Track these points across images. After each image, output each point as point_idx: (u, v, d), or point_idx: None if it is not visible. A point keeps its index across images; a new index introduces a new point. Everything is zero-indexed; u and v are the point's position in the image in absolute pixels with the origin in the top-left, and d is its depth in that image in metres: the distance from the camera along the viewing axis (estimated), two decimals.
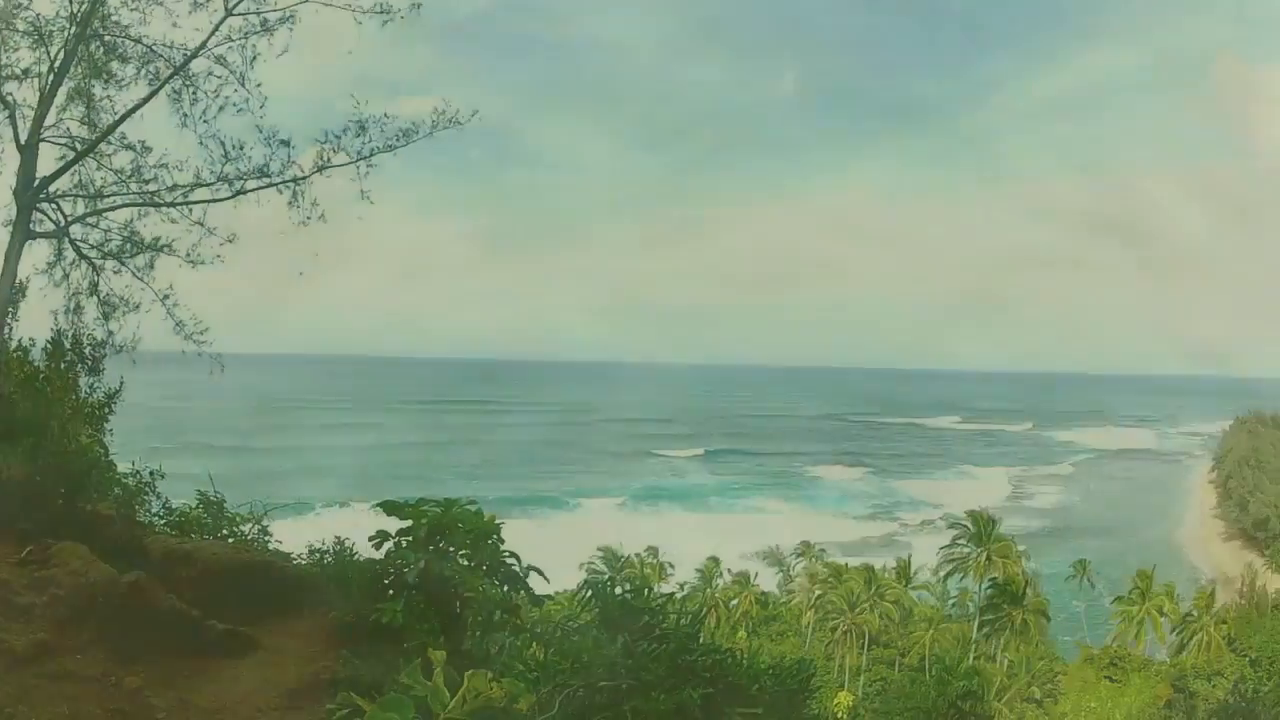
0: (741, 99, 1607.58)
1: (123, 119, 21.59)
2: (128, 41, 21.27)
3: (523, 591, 13.73)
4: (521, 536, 14.00)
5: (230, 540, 15.63)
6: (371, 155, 21.83)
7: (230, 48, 20.88)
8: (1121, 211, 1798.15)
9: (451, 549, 13.36)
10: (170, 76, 21.04)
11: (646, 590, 13.68)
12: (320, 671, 11.51)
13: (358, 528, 14.27)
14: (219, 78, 21.14)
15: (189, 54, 20.77)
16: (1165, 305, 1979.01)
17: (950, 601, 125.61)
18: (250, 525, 16.25)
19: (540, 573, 13.70)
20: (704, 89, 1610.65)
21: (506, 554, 13.58)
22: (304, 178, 21.82)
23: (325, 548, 14.64)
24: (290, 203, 21.58)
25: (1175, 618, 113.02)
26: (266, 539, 16.37)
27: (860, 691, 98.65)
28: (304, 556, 14.79)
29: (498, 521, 13.97)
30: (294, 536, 15.80)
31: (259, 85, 21.18)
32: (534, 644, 14.00)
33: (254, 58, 21.03)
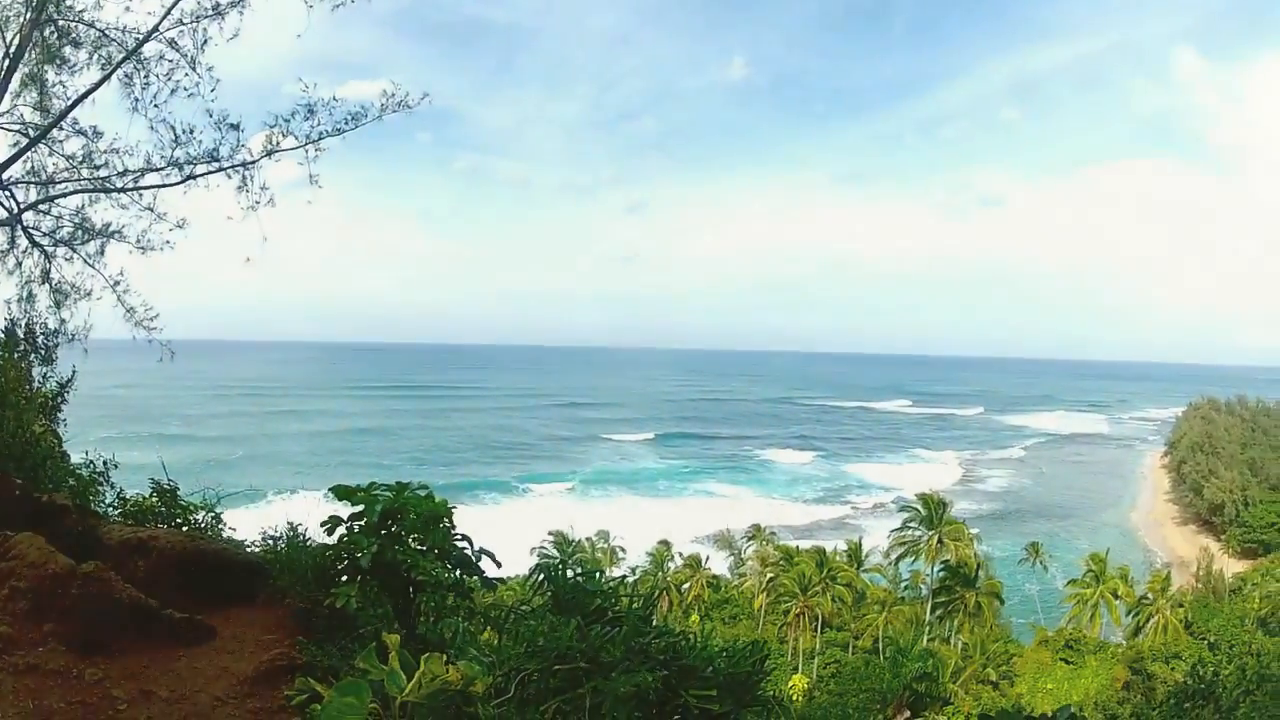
0: (691, 83, 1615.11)
1: (75, 104, 21.48)
2: (81, 26, 21.19)
3: (475, 576, 13.84)
4: (472, 523, 13.93)
5: (185, 529, 15.60)
6: (320, 139, 21.86)
7: (182, 31, 20.78)
8: (1055, 203, 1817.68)
9: (403, 533, 13.18)
10: (123, 61, 20.94)
11: (598, 573, 13.68)
12: (277, 658, 11.47)
13: (309, 515, 14.25)
14: (170, 62, 21.03)
15: (141, 38, 20.67)
16: (1116, 295, 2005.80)
17: (903, 584, 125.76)
18: (203, 513, 16.23)
19: (491, 556, 13.71)
20: (653, 73, 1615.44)
21: (458, 537, 13.49)
22: (253, 162, 21.84)
23: (278, 534, 14.62)
24: (239, 188, 21.55)
25: (1130, 601, 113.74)
26: (220, 527, 16.38)
27: (814, 674, 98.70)
28: (257, 544, 14.78)
29: (449, 506, 14.02)
30: (246, 525, 15.77)
31: (210, 69, 21.11)
32: (488, 629, 14.04)
33: (205, 41, 20.94)
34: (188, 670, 11.24)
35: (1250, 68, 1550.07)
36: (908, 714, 75.47)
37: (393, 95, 21.82)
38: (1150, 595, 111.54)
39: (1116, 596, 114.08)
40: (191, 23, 20.75)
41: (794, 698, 72.87)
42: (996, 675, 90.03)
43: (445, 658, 9.43)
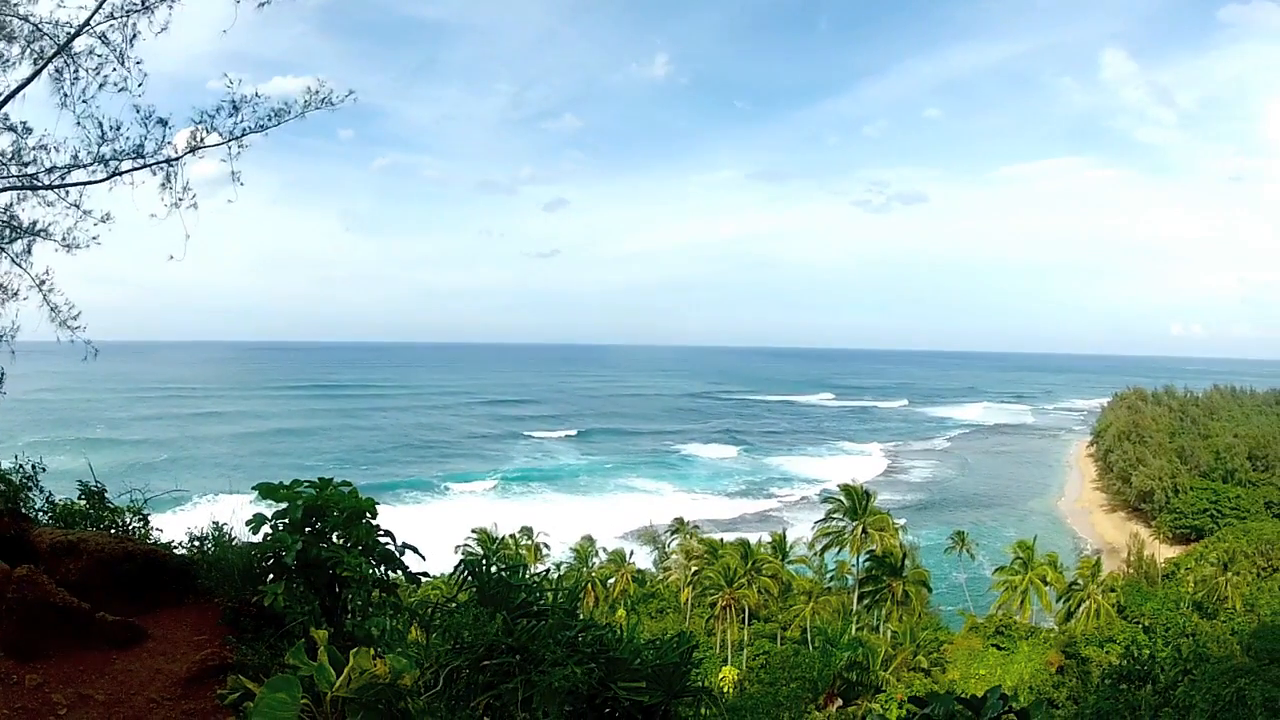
0: (613, 81, 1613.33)
1: (8, 99, 21.32)
2: (15, 20, 21.02)
3: (400, 571, 13.98)
4: (397, 522, 14.03)
5: (113, 531, 15.47)
6: (243, 135, 21.24)
7: (113, 25, 20.61)
8: (979, 200, 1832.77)
9: (327, 530, 13.42)
10: (54, 55, 20.80)
11: (522, 568, 13.84)
12: (209, 658, 11.46)
13: (234, 517, 14.23)
14: (100, 56, 20.88)
15: (74, 31, 20.54)
16: (1042, 290, 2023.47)
17: (829, 574, 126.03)
18: (131, 516, 16.20)
19: (416, 550, 13.77)
20: (575, 70, 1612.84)
21: (381, 533, 13.65)
22: (177, 158, 21.22)
23: (205, 534, 14.58)
24: (163, 185, 21.38)
25: (1060, 587, 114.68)
26: (147, 530, 16.29)
27: (744, 665, 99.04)
28: (185, 545, 14.77)
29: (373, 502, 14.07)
30: (172, 528, 15.72)
31: (139, 63, 20.94)
32: (415, 625, 14.08)
33: (134, 36, 20.77)
34: (123, 673, 11.22)
35: (1179, 70, 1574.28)
36: (840, 702, 76.01)
37: (316, 92, 21.33)
38: (1080, 581, 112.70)
39: (1046, 583, 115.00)
40: (122, 16, 20.59)
41: (725, 689, 73.25)
42: (928, 662, 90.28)
43: (373, 652, 9.64)
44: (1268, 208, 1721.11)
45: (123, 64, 20.85)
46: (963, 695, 9.30)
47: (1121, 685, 49.98)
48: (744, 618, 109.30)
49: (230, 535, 14.23)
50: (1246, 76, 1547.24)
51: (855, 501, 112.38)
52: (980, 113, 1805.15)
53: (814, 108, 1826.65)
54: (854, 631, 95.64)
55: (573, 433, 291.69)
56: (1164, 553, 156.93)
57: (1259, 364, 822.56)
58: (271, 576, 13.28)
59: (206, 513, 14.57)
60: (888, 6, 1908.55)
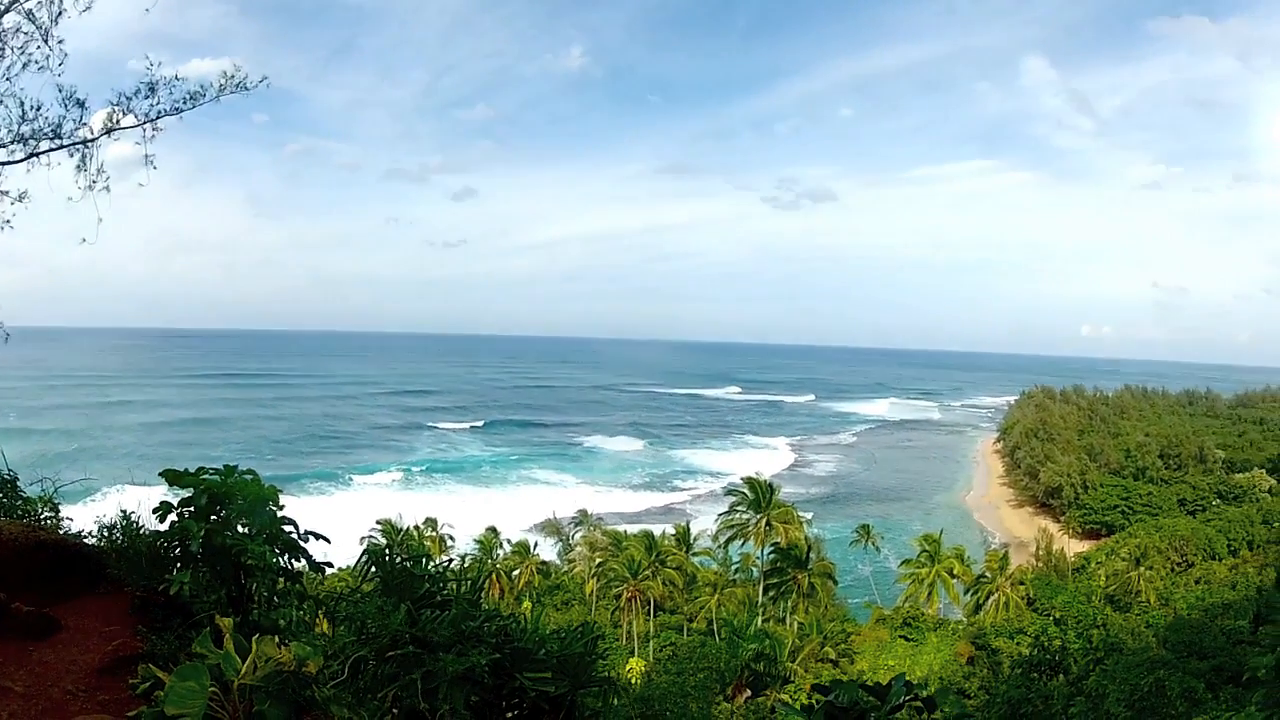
0: (527, 70, 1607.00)
1: None
2: None
3: (303, 559, 13.99)
4: (302, 513, 14.11)
5: (25, 521, 15.38)
6: (159, 118, 21.41)
7: (40, 3, 20.41)
8: (890, 199, 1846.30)
9: (231, 517, 13.36)
10: None
11: (425, 559, 13.95)
12: (121, 648, 11.51)
13: (143, 506, 14.16)
14: (26, 34, 20.68)
15: (4, 8, 20.32)
16: (953, 289, 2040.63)
17: (734, 566, 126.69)
18: (42, 506, 16.14)
19: (322, 537, 13.82)
20: (490, 59, 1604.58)
21: (284, 521, 13.69)
22: (93, 140, 21.20)
23: (114, 524, 14.48)
24: (79, 166, 21.19)
25: (968, 579, 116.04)
26: (58, 520, 16.16)
27: (651, 656, 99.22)
28: (95, 534, 14.73)
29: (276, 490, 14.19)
30: (82, 518, 15.58)
31: (60, 42, 20.75)
32: (322, 616, 14.07)
33: (60, 14, 20.58)
34: (39, 664, 11.27)
35: (1100, 78, 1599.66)
36: (748, 693, 76.55)
37: (232, 77, 21.50)
38: (989, 574, 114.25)
39: (953, 575, 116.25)
40: None
41: (632, 680, 73.47)
42: (836, 653, 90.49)
43: (277, 640, 9.86)
44: (1182, 215, 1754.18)
45: (46, 42, 20.71)
46: (865, 683, 9.57)
47: (1033, 674, 50.84)
48: (649, 610, 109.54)
49: (139, 524, 14.19)
50: (1170, 87, 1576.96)
51: (759, 494, 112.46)
52: (895, 114, 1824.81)
53: (727, 104, 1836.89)
54: (760, 623, 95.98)
55: (478, 424, 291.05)
56: (1073, 547, 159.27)
57: (1171, 366, 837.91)
58: (179, 565, 13.23)
59: (115, 503, 14.57)
60: (808, 6, 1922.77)
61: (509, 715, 12.41)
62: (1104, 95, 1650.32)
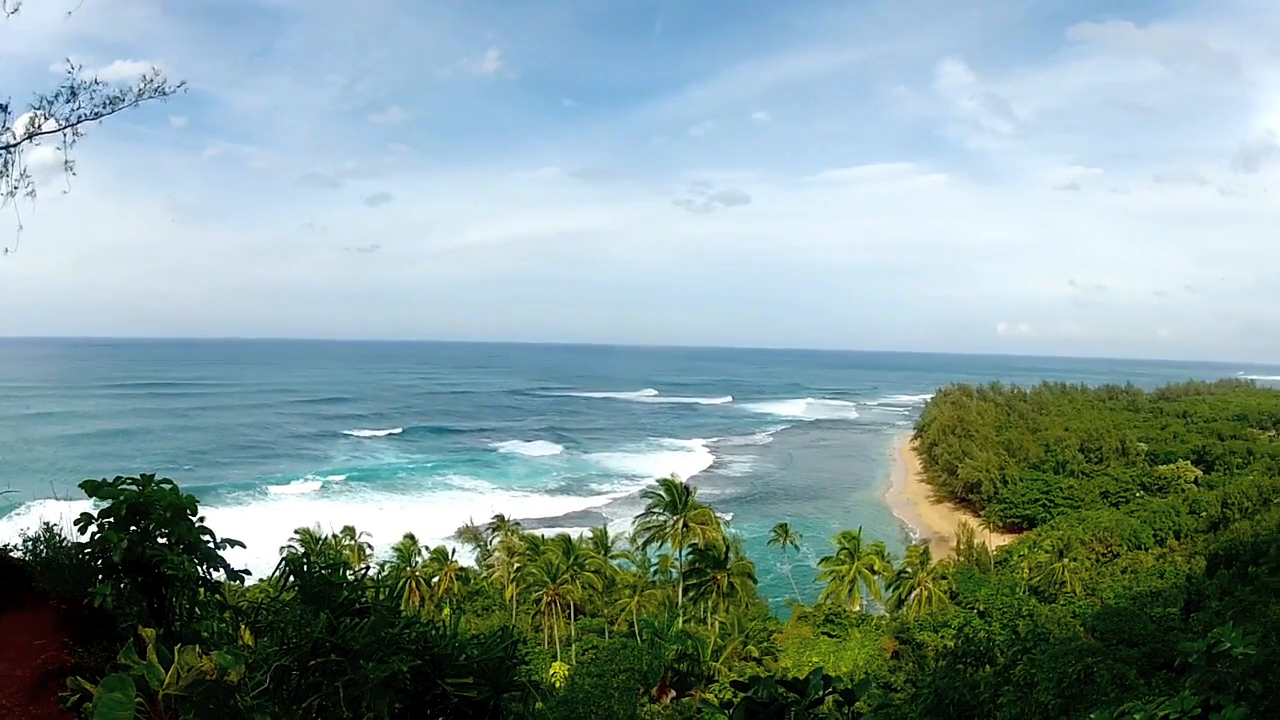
0: (443, 75, 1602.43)
1: None
2: None
3: (221, 568, 13.90)
4: (220, 523, 14.07)
5: None
6: (79, 122, 20.80)
7: None
8: (804, 202, 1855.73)
9: (151, 527, 13.42)
10: None
11: (343, 567, 14.03)
12: (49, 661, 11.52)
13: (64, 519, 14.01)
14: None
15: None
16: (868, 290, 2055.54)
17: (652, 568, 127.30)
18: None
19: (239, 544, 13.84)
20: (407, 63, 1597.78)
21: (202, 530, 13.67)
22: (15, 144, 20.49)
23: (38, 536, 14.32)
24: (0, 173, 20.95)
25: (889, 575, 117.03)
26: None
27: (573, 660, 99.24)
28: (19, 547, 14.69)
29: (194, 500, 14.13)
30: (5, 532, 15.64)
31: None
32: (243, 625, 14.11)
33: None
34: None
35: (1019, 82, 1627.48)
36: (673, 693, 76.86)
37: (150, 81, 21.05)
38: (910, 569, 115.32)
39: (874, 571, 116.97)
40: None
41: (556, 684, 73.49)
42: (759, 651, 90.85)
43: (198, 649, 9.96)
44: (1101, 215, 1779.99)
45: None
46: (783, 679, 9.72)
47: (959, 665, 51.44)
48: (570, 613, 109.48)
49: (62, 537, 14.20)
50: (1090, 90, 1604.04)
51: (675, 496, 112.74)
52: (810, 117, 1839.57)
53: (642, 108, 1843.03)
54: (681, 624, 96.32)
55: (395, 431, 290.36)
56: (995, 541, 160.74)
57: (1091, 362, 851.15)
58: (102, 577, 13.25)
59: (38, 515, 14.57)
60: (725, 11, 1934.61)
61: None
62: (1023, 99, 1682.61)
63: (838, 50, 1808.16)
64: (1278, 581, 70.94)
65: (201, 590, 13.91)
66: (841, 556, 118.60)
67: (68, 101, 20.73)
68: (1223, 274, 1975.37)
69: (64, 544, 14.07)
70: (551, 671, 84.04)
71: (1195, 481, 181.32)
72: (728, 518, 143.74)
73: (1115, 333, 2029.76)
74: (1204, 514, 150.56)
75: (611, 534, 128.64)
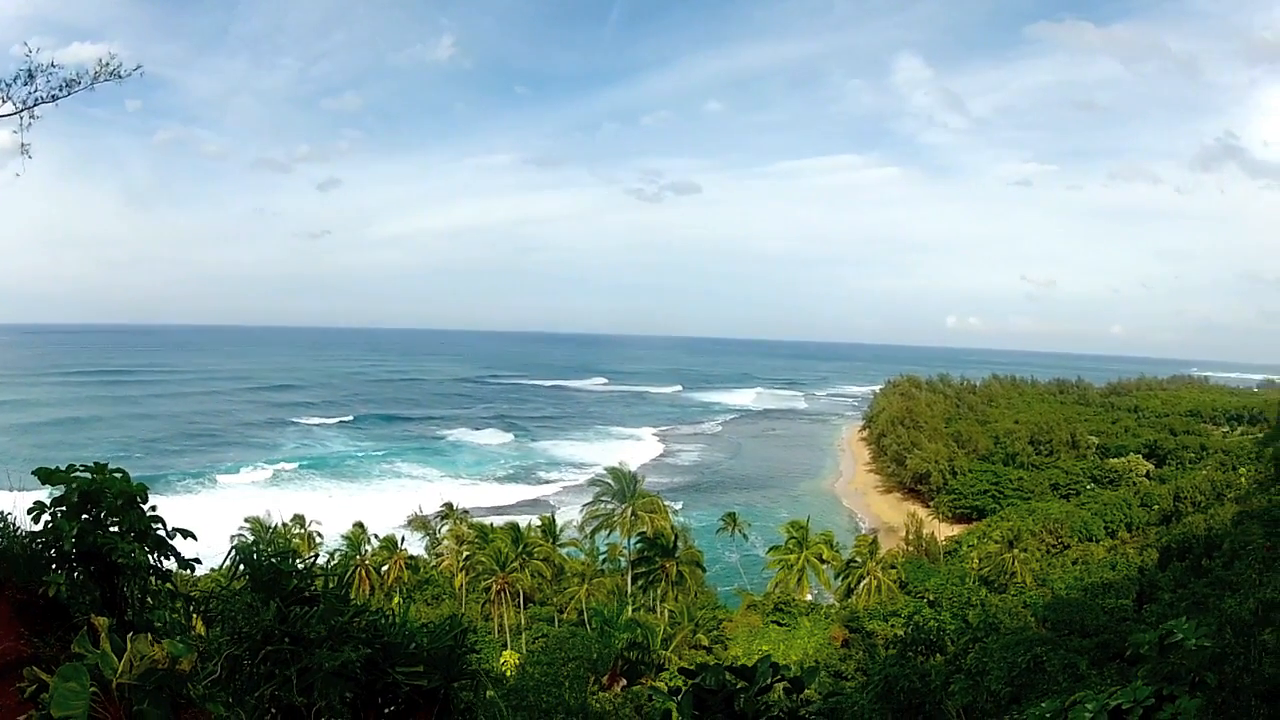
0: (397, 60, 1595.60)
1: None
2: None
3: (171, 556, 13.78)
4: (171, 512, 14.01)
5: None
6: (36, 105, 21.18)
7: None
8: (755, 192, 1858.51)
9: (103, 515, 13.34)
10: None
11: (292, 555, 14.05)
12: (6, 653, 11.42)
13: (17, 507, 13.90)
14: None
15: None
16: (818, 281, 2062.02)
17: (601, 556, 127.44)
18: None
19: (189, 534, 13.88)
20: (362, 48, 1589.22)
21: (153, 519, 13.60)
22: None
23: None
24: None
25: (838, 564, 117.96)
26: None
27: (524, 648, 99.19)
28: None
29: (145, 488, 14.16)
30: None
31: None
32: (196, 615, 14.00)
33: None
34: None
35: (975, 78, 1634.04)
36: (624, 682, 77.01)
37: (106, 64, 21.42)
38: (859, 559, 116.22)
39: (823, 561, 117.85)
40: None
41: (507, 673, 73.60)
42: (709, 640, 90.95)
43: (150, 638, 10.09)
44: (1054, 211, 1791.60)
45: None
46: (731, 665, 9.86)
47: (909, 653, 51.83)
48: (519, 602, 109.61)
49: (15, 526, 14.25)
50: (1047, 88, 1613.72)
51: (623, 484, 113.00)
52: (763, 108, 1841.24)
53: (594, 96, 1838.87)
54: (631, 612, 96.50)
55: (346, 418, 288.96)
56: (944, 531, 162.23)
57: (1043, 356, 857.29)
58: (55, 566, 13.18)
59: None
60: (681, 1, 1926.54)
61: (385, 710, 12.66)
62: (978, 95, 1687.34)
63: (794, 42, 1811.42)
64: (1231, 575, 71.62)
65: (153, 579, 13.80)
66: (790, 546, 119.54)
67: (25, 84, 20.81)
68: (1178, 272, 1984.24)
69: (18, 533, 14.15)
70: (502, 660, 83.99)
71: (1147, 475, 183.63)
72: (677, 506, 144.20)
73: (1067, 328, 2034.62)
74: (1156, 507, 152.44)
75: (560, 522, 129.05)
